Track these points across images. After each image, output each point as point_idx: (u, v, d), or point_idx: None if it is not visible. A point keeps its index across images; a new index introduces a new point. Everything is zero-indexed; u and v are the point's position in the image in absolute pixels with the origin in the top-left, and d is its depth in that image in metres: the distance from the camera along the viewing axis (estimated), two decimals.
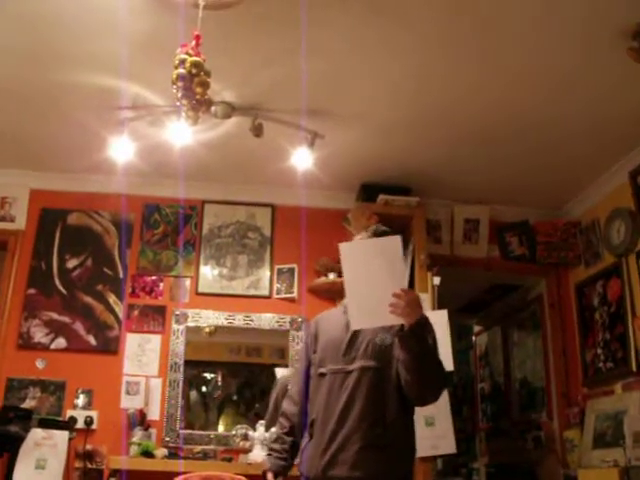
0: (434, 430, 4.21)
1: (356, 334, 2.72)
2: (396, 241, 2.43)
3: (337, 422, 2.62)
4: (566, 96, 3.83)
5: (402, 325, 2.43)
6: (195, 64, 2.76)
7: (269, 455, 2.91)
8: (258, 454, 4.24)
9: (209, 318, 4.82)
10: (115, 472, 4.09)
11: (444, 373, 2.65)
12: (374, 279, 2.42)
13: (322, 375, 2.74)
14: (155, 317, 4.79)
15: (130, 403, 4.55)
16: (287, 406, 2.92)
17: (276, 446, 2.86)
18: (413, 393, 2.58)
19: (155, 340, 4.75)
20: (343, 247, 2.50)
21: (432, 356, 2.52)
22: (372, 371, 2.64)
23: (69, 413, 4.47)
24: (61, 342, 4.66)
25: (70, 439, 3.93)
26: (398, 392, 2.62)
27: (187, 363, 4.73)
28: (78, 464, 4.35)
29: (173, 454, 4.29)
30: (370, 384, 2.63)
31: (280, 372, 4.61)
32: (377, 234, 2.82)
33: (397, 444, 2.61)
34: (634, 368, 4.25)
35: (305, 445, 2.76)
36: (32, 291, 4.74)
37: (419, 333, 2.44)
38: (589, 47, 3.39)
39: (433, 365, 2.53)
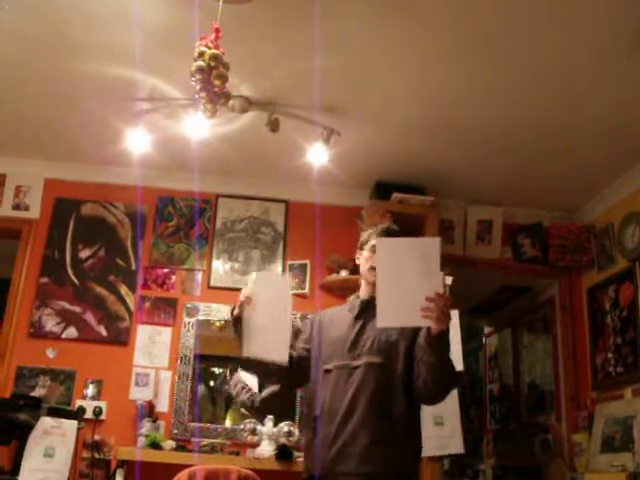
0: (442, 430, 4.21)
1: (362, 331, 2.74)
2: (435, 243, 2.41)
3: (343, 417, 2.61)
4: (583, 100, 3.81)
5: (428, 329, 2.41)
6: (214, 57, 2.76)
7: None
8: (266, 449, 4.26)
9: (220, 312, 4.82)
10: (123, 463, 4.09)
11: (456, 375, 2.65)
12: (408, 279, 2.38)
13: (327, 372, 2.74)
14: (166, 310, 4.80)
15: (139, 395, 4.57)
16: None
17: None
18: (429, 393, 2.59)
19: (166, 332, 4.76)
20: (380, 242, 2.51)
21: (451, 361, 2.53)
22: (378, 367, 2.65)
23: (78, 403, 4.48)
24: (72, 332, 4.68)
25: (79, 429, 3.93)
26: (405, 388, 2.63)
27: (196, 357, 4.74)
28: (86, 454, 4.37)
29: (181, 447, 4.29)
30: (376, 380, 2.63)
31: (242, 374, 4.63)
32: (388, 233, 2.82)
33: (404, 440, 2.62)
34: None
35: (309, 441, 2.75)
36: (44, 280, 4.76)
37: (446, 338, 2.43)
38: (607, 52, 3.39)
39: (453, 369, 2.55)
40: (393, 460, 2.57)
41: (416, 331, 2.61)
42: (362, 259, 2.87)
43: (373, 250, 2.71)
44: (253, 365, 2.85)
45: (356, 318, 2.80)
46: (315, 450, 2.68)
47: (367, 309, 2.74)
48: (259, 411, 4.49)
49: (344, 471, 2.57)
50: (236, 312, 2.70)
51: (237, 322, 2.70)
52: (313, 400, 2.79)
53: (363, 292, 2.88)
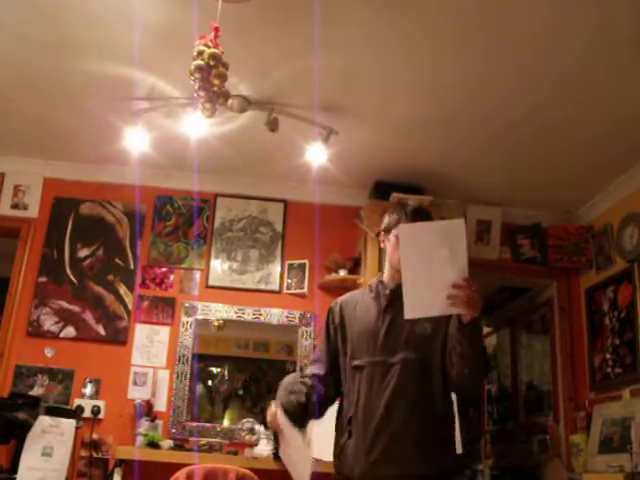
0: None
1: (393, 323, 2.58)
2: (460, 225, 2.25)
3: (382, 418, 2.46)
4: (583, 101, 3.81)
5: (459, 316, 2.28)
6: (213, 56, 2.75)
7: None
8: (264, 448, 4.26)
9: (218, 311, 4.83)
10: (121, 462, 4.09)
11: (489, 365, 2.51)
12: (433, 266, 2.24)
13: (358, 368, 2.58)
14: (165, 309, 4.80)
15: (137, 394, 4.57)
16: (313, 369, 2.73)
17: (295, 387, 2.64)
18: (464, 384, 2.46)
19: (164, 332, 4.76)
20: (402, 229, 2.39)
21: (484, 349, 2.43)
22: (416, 363, 2.51)
23: (76, 402, 4.48)
24: (70, 331, 4.68)
25: (77, 428, 3.94)
26: (443, 384, 2.50)
27: (194, 356, 4.74)
28: (84, 453, 4.37)
29: (179, 446, 4.29)
30: (415, 377, 2.49)
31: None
32: (418, 214, 2.64)
33: (448, 437, 2.52)
34: None
35: (344, 443, 2.57)
36: (43, 279, 4.76)
37: (479, 326, 2.34)
38: (609, 53, 3.38)
39: (486, 357, 2.43)
40: (441, 459, 2.46)
41: (449, 322, 2.42)
42: (389, 244, 2.70)
43: None
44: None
45: (385, 309, 2.62)
46: (351, 454, 2.52)
47: (396, 298, 2.49)
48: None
49: (389, 474, 2.44)
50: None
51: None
52: (346, 399, 2.63)
53: (389, 278, 2.70)
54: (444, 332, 2.49)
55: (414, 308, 2.31)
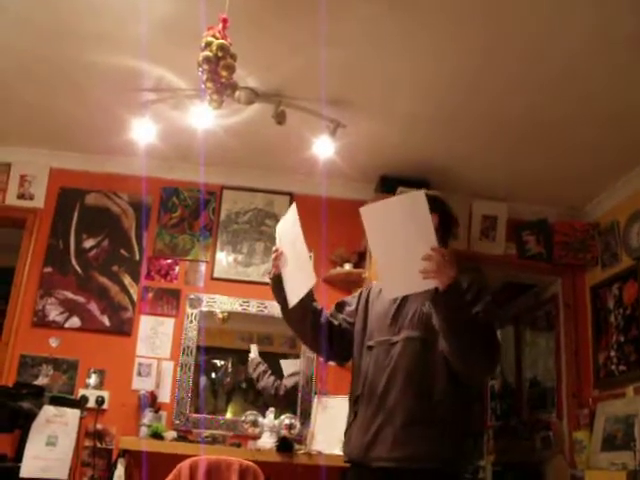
0: None
1: (403, 303, 2.57)
2: (420, 197, 2.21)
3: (380, 397, 2.45)
4: (591, 97, 3.80)
5: (436, 289, 2.22)
6: (221, 47, 2.75)
7: None
8: (267, 441, 4.27)
9: (223, 303, 4.83)
10: (124, 452, 4.11)
11: (493, 341, 2.36)
12: (402, 242, 2.23)
13: (370, 348, 2.60)
14: (169, 300, 4.80)
15: (141, 385, 4.57)
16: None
17: None
18: (455, 365, 2.36)
19: (168, 323, 4.76)
20: (364, 211, 2.31)
21: (473, 322, 2.30)
22: (417, 341, 2.46)
23: (81, 392, 4.49)
24: (75, 321, 4.69)
25: (81, 418, 3.95)
26: (448, 364, 2.39)
27: (198, 348, 4.75)
28: (88, 443, 4.38)
29: (182, 437, 4.30)
30: (415, 354, 2.45)
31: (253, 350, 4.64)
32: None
33: (447, 420, 2.37)
34: None
35: (350, 424, 2.59)
36: (48, 269, 4.77)
37: (454, 296, 2.23)
38: (615, 50, 3.37)
39: (476, 333, 2.28)
40: (431, 444, 2.34)
41: None
42: None
43: None
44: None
45: None
46: (353, 435, 2.53)
47: None
48: (282, 400, 4.51)
49: (378, 456, 2.38)
50: (273, 272, 2.67)
51: (275, 282, 2.67)
52: (356, 379, 2.64)
53: None
54: None
55: (392, 287, 2.34)
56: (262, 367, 4.60)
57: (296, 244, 2.59)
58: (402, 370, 2.45)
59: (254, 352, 4.68)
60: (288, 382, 4.68)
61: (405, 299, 2.57)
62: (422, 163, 4.68)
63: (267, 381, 4.51)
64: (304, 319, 2.68)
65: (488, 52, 3.50)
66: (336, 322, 2.75)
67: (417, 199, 2.23)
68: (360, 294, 2.83)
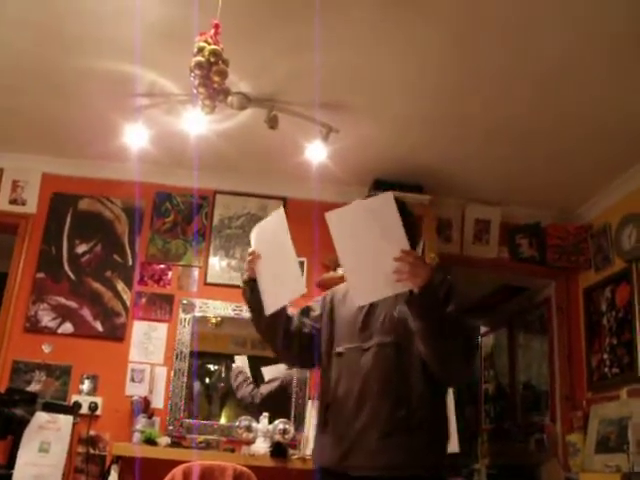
0: None
1: (373, 308, 2.51)
2: (388, 199, 2.20)
3: (355, 405, 2.39)
4: (582, 101, 3.81)
5: (411, 291, 2.21)
6: (214, 52, 2.75)
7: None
8: (261, 446, 4.26)
9: (217, 308, 4.82)
10: (118, 459, 4.10)
11: (471, 343, 2.39)
12: (371, 246, 2.20)
13: (339, 355, 2.54)
14: (162, 306, 4.79)
15: (135, 390, 4.56)
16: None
17: None
18: (434, 368, 2.35)
19: (162, 329, 4.75)
20: (330, 216, 2.28)
21: (451, 323, 2.28)
22: (391, 347, 2.42)
23: (74, 398, 4.48)
24: (68, 327, 4.67)
25: (74, 424, 3.94)
26: (424, 369, 2.37)
27: (192, 353, 4.73)
28: (81, 449, 4.37)
29: (176, 443, 4.29)
30: (390, 361, 2.41)
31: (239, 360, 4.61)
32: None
33: (425, 428, 2.35)
34: None
35: (319, 432, 2.55)
36: (41, 275, 4.75)
37: (430, 297, 2.22)
38: (607, 54, 3.39)
39: (453, 334, 2.28)
40: (412, 452, 2.32)
41: None
42: None
43: None
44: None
45: None
46: (326, 443, 2.48)
47: None
48: (258, 409, 4.51)
49: (357, 465, 2.35)
50: (248, 276, 2.60)
51: (250, 286, 2.59)
52: (325, 386, 2.59)
53: None
54: None
55: (362, 294, 2.29)
56: (241, 377, 4.60)
57: (283, 250, 2.52)
58: (377, 377, 2.41)
59: (238, 361, 4.67)
60: (265, 389, 4.67)
61: (373, 304, 2.51)
62: (415, 167, 4.69)
63: (245, 390, 4.51)
64: (277, 326, 2.62)
65: (481, 56, 3.50)
66: (306, 329, 2.69)
67: (385, 201, 2.21)
68: (324, 299, 2.78)
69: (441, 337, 2.26)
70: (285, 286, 2.51)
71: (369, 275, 2.24)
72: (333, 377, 2.53)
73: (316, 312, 2.75)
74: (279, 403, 4.41)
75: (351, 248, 2.26)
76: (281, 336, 2.63)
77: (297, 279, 2.57)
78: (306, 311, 2.76)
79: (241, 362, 4.63)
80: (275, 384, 4.30)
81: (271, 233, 2.58)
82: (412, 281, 2.18)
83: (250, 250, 2.62)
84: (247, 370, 4.43)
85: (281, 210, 2.55)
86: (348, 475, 2.38)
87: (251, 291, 2.60)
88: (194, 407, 4.69)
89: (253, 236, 2.66)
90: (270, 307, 2.54)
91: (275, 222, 2.57)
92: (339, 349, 2.56)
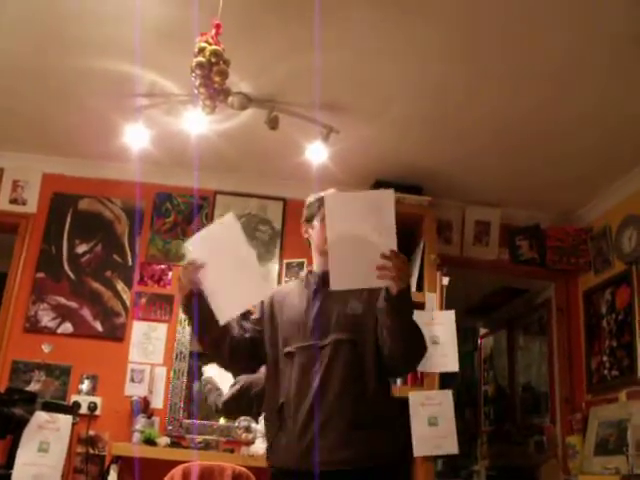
0: (437, 430, 4.19)
1: (323, 307, 2.53)
2: (389, 195, 2.22)
3: (313, 403, 2.40)
4: (582, 103, 3.82)
5: (387, 289, 2.27)
6: (215, 53, 2.75)
7: None
8: (260, 446, 4.25)
9: None
10: (117, 459, 4.10)
11: (423, 338, 2.45)
12: (360, 236, 2.23)
13: (289, 355, 2.53)
14: (162, 306, 4.79)
15: (134, 390, 4.55)
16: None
17: None
18: (397, 362, 2.44)
19: (161, 329, 4.75)
20: (329, 198, 2.32)
21: (416, 323, 2.39)
22: (347, 344, 2.45)
23: (73, 398, 4.48)
24: (68, 327, 4.67)
25: (73, 424, 3.93)
26: (376, 365, 2.45)
27: (191, 354, 4.72)
28: (80, 449, 4.36)
29: (175, 443, 4.29)
30: (347, 358, 2.44)
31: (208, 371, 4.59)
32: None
33: (384, 421, 2.44)
34: None
35: (275, 433, 2.52)
36: (41, 275, 4.75)
37: (409, 298, 2.32)
38: (606, 55, 3.39)
39: (419, 332, 2.40)
40: (375, 445, 2.38)
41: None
42: (314, 232, 2.72)
43: None
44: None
45: (314, 294, 2.59)
46: (283, 443, 2.47)
47: (324, 283, 2.45)
48: (223, 414, 4.48)
49: (320, 460, 2.35)
50: (189, 290, 2.47)
51: (193, 300, 2.48)
52: (275, 387, 2.56)
53: (317, 266, 2.68)
54: (375, 310, 2.46)
55: (339, 279, 2.28)
56: (209, 385, 4.58)
57: (238, 254, 2.46)
58: (336, 373, 2.43)
59: (207, 372, 4.64)
60: (226, 395, 4.66)
61: (322, 302, 2.55)
62: (415, 168, 4.69)
63: (211, 398, 4.49)
64: (223, 338, 2.59)
65: (483, 58, 3.51)
66: (248, 335, 2.66)
67: (386, 197, 2.23)
68: (262, 303, 2.73)
69: (412, 334, 2.38)
70: (245, 291, 2.48)
71: (351, 263, 2.26)
72: (284, 377, 2.53)
73: (256, 315, 2.72)
74: (241, 406, 4.40)
75: (341, 232, 2.27)
76: (227, 349, 2.60)
77: (259, 282, 2.56)
78: (245, 315, 2.72)
79: (211, 372, 4.61)
80: (235, 388, 4.30)
81: (221, 239, 2.51)
82: (394, 282, 2.23)
83: (188, 260, 2.53)
84: (215, 379, 4.42)
85: (231, 215, 2.49)
86: (309, 472, 2.36)
87: (196, 304, 2.49)
88: (194, 407, 4.68)
89: (191, 245, 2.57)
90: (225, 315, 2.49)
91: (226, 227, 2.51)
92: (288, 349, 2.54)
